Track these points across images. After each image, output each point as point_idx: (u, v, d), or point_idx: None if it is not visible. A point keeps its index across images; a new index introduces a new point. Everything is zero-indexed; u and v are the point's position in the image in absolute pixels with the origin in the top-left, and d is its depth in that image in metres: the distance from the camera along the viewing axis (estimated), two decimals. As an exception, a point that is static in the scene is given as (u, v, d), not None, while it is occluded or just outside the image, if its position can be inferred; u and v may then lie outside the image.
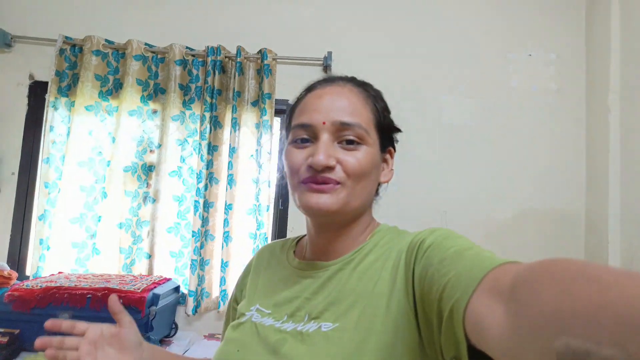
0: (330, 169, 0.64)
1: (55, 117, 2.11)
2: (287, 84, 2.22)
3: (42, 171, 2.08)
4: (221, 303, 2.05)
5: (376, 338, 0.55)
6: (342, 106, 0.66)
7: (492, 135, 2.25)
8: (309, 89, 0.73)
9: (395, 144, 0.77)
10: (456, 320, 0.43)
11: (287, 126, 0.74)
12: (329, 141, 0.65)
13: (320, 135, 0.65)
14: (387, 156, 0.74)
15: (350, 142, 0.65)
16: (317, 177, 0.64)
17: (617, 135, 2.05)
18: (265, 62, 2.15)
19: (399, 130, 0.76)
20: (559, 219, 2.21)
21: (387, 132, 0.72)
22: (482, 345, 0.39)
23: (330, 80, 0.72)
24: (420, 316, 0.53)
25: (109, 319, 1.67)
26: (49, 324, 0.70)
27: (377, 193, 0.75)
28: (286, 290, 0.70)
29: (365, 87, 0.72)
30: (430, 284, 0.50)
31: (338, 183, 0.64)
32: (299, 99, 0.73)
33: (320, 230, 0.71)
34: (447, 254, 0.50)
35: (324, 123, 0.65)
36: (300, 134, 0.67)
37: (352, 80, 0.72)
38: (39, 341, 0.69)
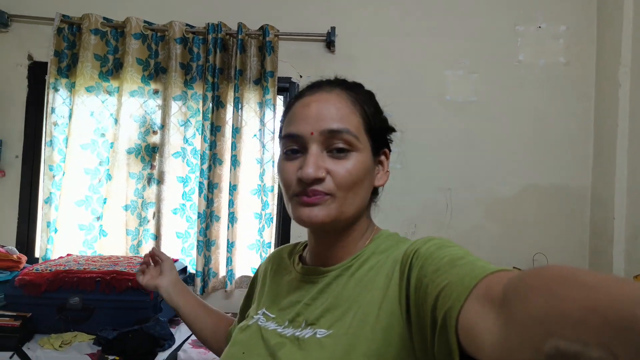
0: (319, 180, 0.63)
1: (56, 98, 2.09)
2: (290, 61, 2.18)
3: (46, 154, 2.08)
4: (228, 283, 2.08)
5: (364, 345, 0.56)
6: (330, 114, 0.65)
7: (496, 110, 2.22)
8: (298, 96, 0.71)
9: (390, 144, 0.76)
10: (449, 328, 0.43)
11: (280, 134, 0.73)
12: (318, 151, 0.64)
13: (309, 146, 0.65)
14: (382, 158, 0.72)
15: (340, 150, 0.64)
16: (307, 190, 0.64)
17: (626, 111, 2.01)
18: (267, 38, 2.10)
19: (393, 130, 0.74)
20: (563, 194, 2.20)
21: (379, 135, 0.70)
22: (475, 352, 0.40)
23: (317, 85, 0.71)
24: (413, 325, 0.54)
25: (117, 301, 1.69)
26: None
27: (374, 195, 0.75)
28: (290, 295, 0.72)
29: (354, 90, 0.70)
30: (424, 294, 0.50)
31: (328, 194, 0.64)
32: (289, 106, 0.72)
33: (317, 237, 0.72)
34: (440, 264, 0.50)
35: (312, 134, 0.64)
36: (290, 145, 0.67)
37: (341, 84, 0.71)
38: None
